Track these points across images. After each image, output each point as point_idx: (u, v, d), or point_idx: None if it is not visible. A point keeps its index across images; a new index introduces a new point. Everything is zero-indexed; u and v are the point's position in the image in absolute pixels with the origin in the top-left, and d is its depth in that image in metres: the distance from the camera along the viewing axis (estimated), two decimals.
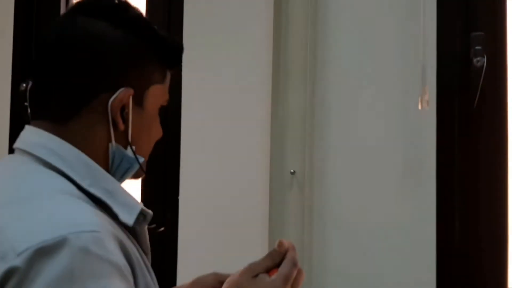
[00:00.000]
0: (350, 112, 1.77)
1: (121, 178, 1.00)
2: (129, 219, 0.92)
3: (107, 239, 0.82)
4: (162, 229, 2.02)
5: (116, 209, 0.92)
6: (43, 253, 0.78)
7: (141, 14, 1.02)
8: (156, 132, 1.06)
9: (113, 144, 0.96)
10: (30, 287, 0.77)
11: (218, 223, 1.91)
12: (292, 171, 1.76)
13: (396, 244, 1.72)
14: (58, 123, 0.95)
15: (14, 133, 2.34)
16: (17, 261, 0.77)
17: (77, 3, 1.01)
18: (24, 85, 2.60)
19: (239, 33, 1.93)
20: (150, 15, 2.14)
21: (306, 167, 1.77)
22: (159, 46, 1.01)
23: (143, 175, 1.05)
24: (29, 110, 1.01)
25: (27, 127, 0.98)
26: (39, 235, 0.79)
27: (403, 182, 1.70)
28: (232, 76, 1.91)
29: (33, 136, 0.96)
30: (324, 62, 1.81)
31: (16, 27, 2.41)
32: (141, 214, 0.95)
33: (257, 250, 1.69)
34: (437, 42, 1.65)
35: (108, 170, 0.97)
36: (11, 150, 2.64)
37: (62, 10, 2.36)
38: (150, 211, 0.98)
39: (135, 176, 1.03)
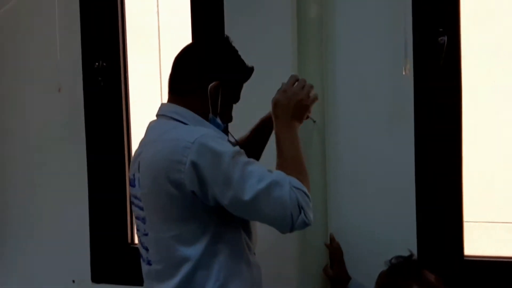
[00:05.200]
0: (354, 77, 2.40)
1: None
2: None
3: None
4: None
5: None
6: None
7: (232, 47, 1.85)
8: (232, 102, 1.86)
9: (211, 114, 1.78)
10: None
11: None
12: (314, 120, 2.26)
13: (384, 169, 2.40)
14: (182, 100, 1.78)
15: (87, 102, 2.92)
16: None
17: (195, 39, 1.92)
18: (97, 64, 3.37)
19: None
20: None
21: (324, 117, 2.37)
22: (239, 67, 1.85)
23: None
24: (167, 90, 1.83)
25: (164, 103, 1.83)
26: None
27: (391, 124, 2.40)
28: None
29: (168, 107, 1.81)
30: (335, 38, 2.40)
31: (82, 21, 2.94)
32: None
33: None
34: (413, 31, 2.31)
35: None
36: (87, 112, 3.18)
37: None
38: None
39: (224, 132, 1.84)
